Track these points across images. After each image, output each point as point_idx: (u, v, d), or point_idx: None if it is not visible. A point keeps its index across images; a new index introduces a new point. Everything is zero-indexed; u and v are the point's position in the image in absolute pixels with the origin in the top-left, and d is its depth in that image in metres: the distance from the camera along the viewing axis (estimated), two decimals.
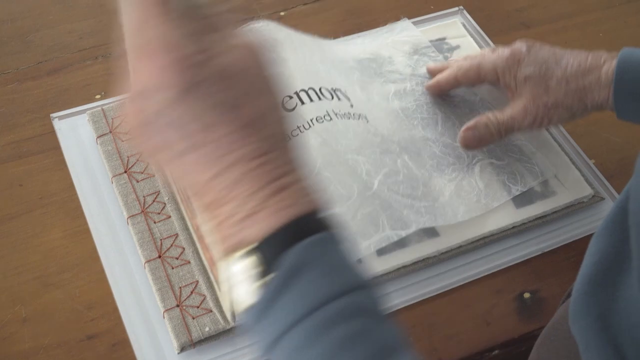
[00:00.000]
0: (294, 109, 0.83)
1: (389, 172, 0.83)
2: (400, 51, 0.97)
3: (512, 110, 0.82)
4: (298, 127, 0.82)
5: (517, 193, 0.84)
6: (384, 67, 0.95)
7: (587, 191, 0.86)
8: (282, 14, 1.08)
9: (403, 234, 0.79)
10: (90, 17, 1.06)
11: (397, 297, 0.78)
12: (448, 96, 0.93)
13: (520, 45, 0.83)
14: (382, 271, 0.78)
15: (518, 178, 0.85)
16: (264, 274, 0.45)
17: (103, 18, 1.06)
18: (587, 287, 0.62)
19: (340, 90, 0.88)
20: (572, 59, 0.80)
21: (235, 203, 0.46)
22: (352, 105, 0.87)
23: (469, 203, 0.83)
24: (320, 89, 0.86)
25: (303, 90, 0.85)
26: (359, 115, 0.86)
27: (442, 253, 0.81)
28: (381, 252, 0.79)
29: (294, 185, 0.47)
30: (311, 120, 0.83)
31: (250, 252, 0.46)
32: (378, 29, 1.03)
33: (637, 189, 0.56)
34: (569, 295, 0.73)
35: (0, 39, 1.02)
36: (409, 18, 1.05)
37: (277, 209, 0.46)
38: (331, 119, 0.84)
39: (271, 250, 0.46)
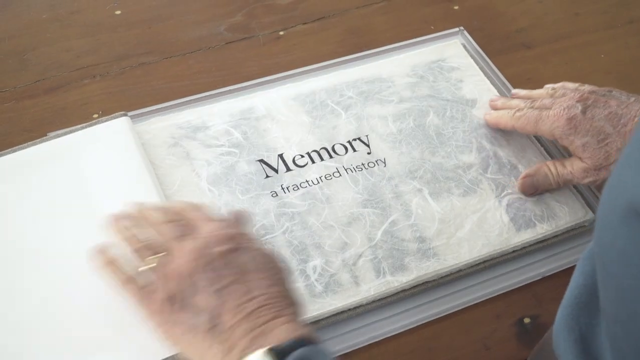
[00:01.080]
0: (304, 165, 0.88)
1: (398, 219, 0.84)
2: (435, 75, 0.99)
3: (572, 167, 0.84)
4: (307, 181, 0.86)
5: (544, 232, 0.84)
6: (413, 90, 0.97)
7: (588, 215, 0.85)
8: (281, 33, 1.07)
9: (404, 279, 0.79)
10: (87, 36, 1.06)
11: (397, 321, 0.78)
12: (482, 127, 0.93)
13: (574, 108, 0.83)
14: (381, 294, 0.78)
15: (546, 215, 0.85)
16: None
17: (100, 37, 1.06)
18: (570, 310, 0.61)
19: (359, 139, 0.91)
20: (627, 120, 0.81)
21: (254, 322, 0.62)
22: (369, 152, 0.89)
23: (490, 237, 0.83)
24: (333, 147, 0.90)
25: (315, 150, 0.89)
26: (376, 161, 0.89)
27: (442, 277, 0.80)
28: (380, 275, 0.79)
29: (301, 323, 0.64)
30: (320, 177, 0.87)
31: (272, 349, 0.60)
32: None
33: (600, 223, 0.54)
34: None
35: None
36: (409, 39, 1.04)
37: (292, 330, 0.62)
38: (340, 174, 0.87)
39: (287, 348, 0.60)
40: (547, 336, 0.72)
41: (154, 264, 0.68)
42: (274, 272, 0.66)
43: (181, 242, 0.67)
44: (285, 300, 0.65)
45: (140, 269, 0.68)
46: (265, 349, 0.59)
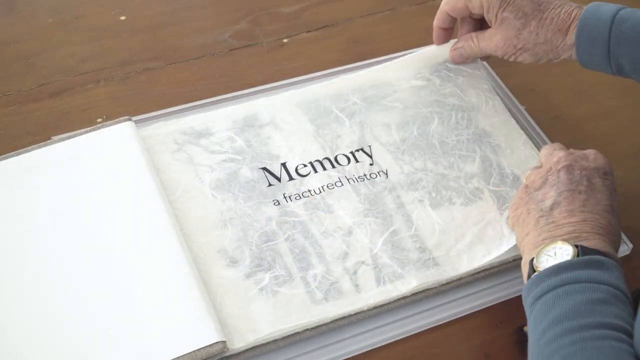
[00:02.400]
0: (307, 175, 0.88)
1: (399, 229, 0.84)
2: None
3: (489, 41, 0.93)
4: (309, 190, 0.87)
5: None
6: (419, 95, 0.98)
7: None
8: (285, 40, 1.08)
9: (404, 289, 0.79)
10: (92, 41, 1.06)
11: (397, 328, 0.78)
12: (486, 135, 0.93)
13: None
14: (382, 302, 0.78)
15: None
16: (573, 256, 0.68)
17: (105, 42, 1.07)
18: None
19: (362, 150, 0.91)
20: (550, 13, 0.87)
21: (580, 228, 0.72)
22: (372, 164, 0.90)
23: (490, 248, 0.83)
24: (336, 157, 0.90)
25: (318, 160, 0.90)
26: (378, 172, 0.89)
27: (442, 284, 0.80)
28: (381, 282, 0.79)
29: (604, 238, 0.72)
30: (322, 187, 0.87)
31: (579, 246, 0.69)
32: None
33: None
34: None
35: (3, 61, 1.03)
36: (412, 48, 1.05)
37: (608, 244, 0.70)
38: (342, 184, 0.88)
39: (592, 251, 0.68)
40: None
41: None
42: (614, 203, 0.74)
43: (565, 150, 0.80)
44: (610, 228, 0.72)
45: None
46: (573, 244, 0.69)
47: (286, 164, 0.89)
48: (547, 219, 0.73)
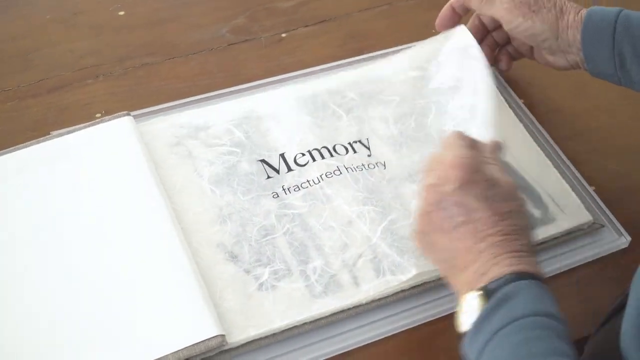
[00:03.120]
0: (306, 164, 0.88)
1: (397, 217, 0.84)
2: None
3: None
4: (308, 181, 0.87)
5: (544, 235, 0.85)
6: (415, 86, 0.97)
7: (587, 218, 0.86)
8: (283, 35, 1.08)
9: (403, 278, 0.79)
10: (90, 37, 1.06)
11: (396, 321, 0.78)
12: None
13: None
14: (381, 293, 0.78)
15: (546, 219, 0.86)
16: (487, 298, 0.63)
17: (104, 38, 1.07)
18: (635, 320, 0.63)
19: (360, 141, 0.92)
20: None
21: (481, 262, 0.66)
22: (369, 155, 0.90)
23: None
24: (334, 147, 0.90)
25: (316, 149, 0.90)
26: (376, 164, 0.89)
27: (441, 277, 0.80)
28: (380, 275, 0.79)
29: (525, 256, 0.66)
30: (321, 176, 0.87)
31: (482, 288, 0.64)
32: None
33: None
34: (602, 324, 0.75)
35: (1, 57, 1.03)
36: (408, 42, 1.05)
37: (506, 266, 0.64)
38: (341, 172, 0.87)
39: (495, 286, 0.63)
40: (601, 337, 0.75)
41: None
42: (504, 205, 0.68)
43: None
44: (516, 234, 0.67)
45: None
46: (477, 289, 0.64)
47: (285, 154, 0.89)
48: (450, 262, 0.69)
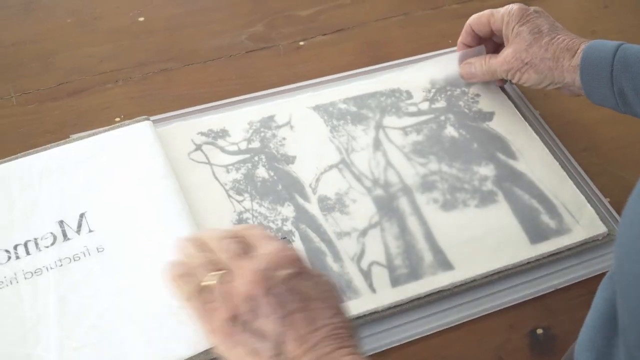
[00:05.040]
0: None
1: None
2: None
3: (499, 57, 0.95)
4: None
5: (558, 246, 0.85)
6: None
7: (602, 229, 0.86)
8: (301, 43, 1.09)
9: (419, 288, 0.80)
10: (110, 42, 1.07)
11: (411, 329, 0.79)
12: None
13: (530, 8, 0.94)
14: (396, 302, 0.79)
15: (560, 230, 0.86)
16: None
17: (123, 43, 1.07)
18: (590, 333, 0.62)
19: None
20: (563, 36, 0.91)
21: (316, 354, 0.61)
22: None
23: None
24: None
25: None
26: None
27: (457, 286, 0.81)
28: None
29: (358, 354, 0.62)
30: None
31: None
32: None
33: (620, 250, 0.55)
34: None
35: (22, 60, 1.04)
36: (425, 52, 1.06)
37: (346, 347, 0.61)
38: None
39: None
40: (567, 353, 0.73)
41: (214, 281, 0.65)
42: (336, 300, 0.65)
43: (242, 260, 0.65)
44: (347, 331, 0.63)
45: (202, 284, 0.66)
46: None
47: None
48: (281, 356, 0.62)
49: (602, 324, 0.61)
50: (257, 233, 0.68)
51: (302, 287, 0.63)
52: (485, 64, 0.97)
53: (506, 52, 0.93)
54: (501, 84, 1.02)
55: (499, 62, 0.94)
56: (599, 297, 0.63)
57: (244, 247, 0.67)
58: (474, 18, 0.98)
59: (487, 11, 0.97)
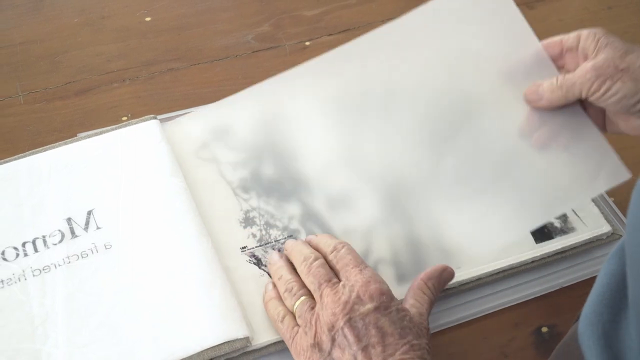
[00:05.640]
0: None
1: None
2: None
3: (580, 69, 0.79)
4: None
5: (563, 245, 0.85)
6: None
7: (606, 228, 0.86)
8: (307, 43, 1.09)
9: None
10: (118, 41, 1.08)
11: None
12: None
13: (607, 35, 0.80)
14: (402, 300, 0.79)
15: (565, 229, 0.87)
16: None
17: (130, 42, 1.08)
18: (594, 307, 0.62)
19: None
20: None
21: None
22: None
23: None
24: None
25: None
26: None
27: (462, 284, 0.81)
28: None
29: None
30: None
31: None
32: None
33: (632, 221, 0.56)
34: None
35: (30, 59, 1.04)
36: None
37: None
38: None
39: None
40: (567, 336, 0.74)
41: (298, 307, 0.71)
42: (412, 336, 0.67)
43: (329, 288, 0.70)
44: None
45: (294, 307, 0.72)
46: None
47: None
48: None
49: (609, 298, 0.61)
50: (348, 259, 0.73)
51: (381, 321, 0.67)
52: (558, 81, 0.81)
53: (592, 62, 0.78)
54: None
55: (581, 72, 0.78)
56: (604, 273, 0.63)
57: (331, 274, 0.72)
58: (545, 42, 0.86)
59: (556, 37, 0.84)
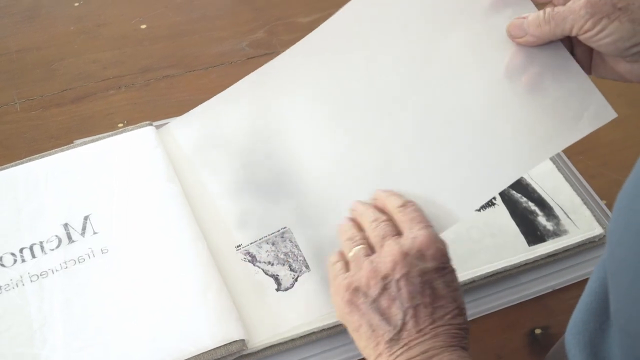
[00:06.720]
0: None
1: None
2: None
3: (573, 2, 0.69)
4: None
5: (555, 247, 0.86)
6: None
7: (598, 231, 0.87)
8: None
9: None
10: (114, 49, 1.09)
11: None
12: None
13: None
14: None
15: (557, 231, 0.87)
16: None
17: (126, 50, 1.09)
18: (581, 314, 0.63)
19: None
20: None
21: (430, 346, 0.63)
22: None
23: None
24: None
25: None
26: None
27: None
28: None
29: (461, 353, 0.64)
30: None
31: None
32: None
33: (612, 237, 0.55)
34: None
35: (26, 67, 1.05)
36: None
37: (455, 357, 0.63)
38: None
39: None
40: (560, 340, 0.74)
41: (353, 253, 0.69)
42: (461, 302, 0.66)
43: (392, 240, 0.68)
44: (463, 333, 0.65)
45: (351, 253, 0.70)
46: None
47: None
48: (397, 342, 0.64)
49: (595, 307, 0.61)
50: (414, 215, 0.70)
51: (436, 282, 0.65)
52: (546, 14, 0.71)
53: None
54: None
55: (574, 7, 0.69)
56: (592, 281, 0.63)
57: (397, 231, 0.69)
58: None
59: None
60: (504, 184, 0.75)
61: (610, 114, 0.74)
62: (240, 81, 0.92)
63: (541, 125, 0.76)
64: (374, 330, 0.65)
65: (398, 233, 0.69)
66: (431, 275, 0.65)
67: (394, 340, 0.64)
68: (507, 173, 0.75)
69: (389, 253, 0.66)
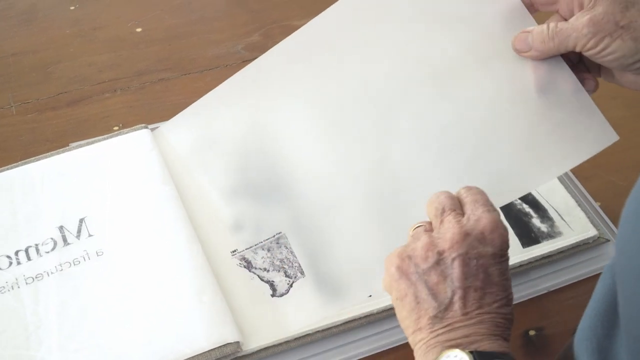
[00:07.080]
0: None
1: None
2: None
3: (576, 19, 0.72)
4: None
5: (549, 249, 0.86)
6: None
7: (593, 232, 0.87)
8: None
9: None
10: (110, 52, 1.09)
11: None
12: None
13: None
14: (391, 305, 0.79)
15: (552, 233, 0.88)
16: None
17: (122, 53, 1.09)
18: (590, 321, 0.62)
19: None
20: None
21: (475, 330, 0.62)
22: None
23: None
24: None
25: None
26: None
27: None
28: None
29: (502, 343, 0.62)
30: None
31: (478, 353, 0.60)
32: None
33: (621, 245, 0.55)
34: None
35: (22, 70, 1.05)
36: None
37: (504, 347, 0.62)
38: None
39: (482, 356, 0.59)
40: (566, 346, 0.74)
41: (415, 229, 0.68)
42: (509, 292, 0.65)
43: (452, 215, 0.66)
44: (507, 324, 0.63)
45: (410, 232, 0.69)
46: (469, 350, 0.60)
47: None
48: (440, 320, 0.63)
49: (603, 312, 0.61)
50: (479, 197, 0.68)
51: (492, 268, 0.63)
52: (550, 30, 0.74)
53: (590, 14, 0.70)
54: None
55: (577, 25, 0.71)
56: (600, 287, 0.62)
57: (458, 205, 0.67)
58: None
59: None
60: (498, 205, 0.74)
61: (612, 137, 0.76)
62: (231, 78, 0.92)
63: (542, 147, 0.77)
64: (419, 303, 0.63)
65: (457, 207, 0.67)
66: (488, 260, 0.64)
67: (437, 317, 0.62)
68: (501, 199, 0.77)
69: (449, 230, 0.65)
